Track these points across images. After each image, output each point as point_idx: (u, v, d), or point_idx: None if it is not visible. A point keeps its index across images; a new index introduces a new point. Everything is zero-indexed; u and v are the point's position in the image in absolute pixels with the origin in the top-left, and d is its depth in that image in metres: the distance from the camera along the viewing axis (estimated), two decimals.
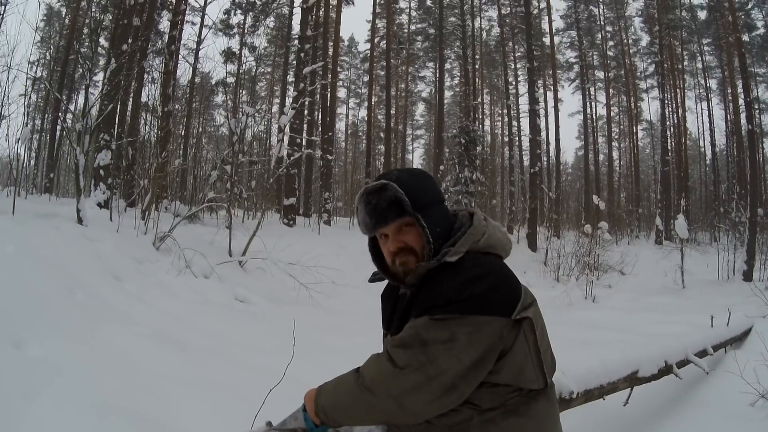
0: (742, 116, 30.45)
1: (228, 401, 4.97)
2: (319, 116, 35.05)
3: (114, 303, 7.68)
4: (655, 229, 36.81)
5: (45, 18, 40.15)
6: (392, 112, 39.96)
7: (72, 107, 28.50)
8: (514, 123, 47.12)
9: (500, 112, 53.36)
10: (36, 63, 36.11)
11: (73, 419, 4.12)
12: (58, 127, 30.85)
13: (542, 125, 40.57)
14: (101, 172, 14.83)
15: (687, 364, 6.37)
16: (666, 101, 41.31)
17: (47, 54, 37.76)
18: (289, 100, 30.80)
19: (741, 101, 30.39)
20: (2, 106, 13.87)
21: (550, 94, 44.27)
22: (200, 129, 33.84)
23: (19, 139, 14.67)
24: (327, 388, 2.23)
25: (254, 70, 43.01)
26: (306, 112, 24.97)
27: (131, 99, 20.71)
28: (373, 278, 2.55)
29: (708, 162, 48.37)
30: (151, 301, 8.47)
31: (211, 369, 6.13)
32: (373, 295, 10.73)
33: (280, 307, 10.87)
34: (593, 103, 48.29)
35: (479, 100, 43.38)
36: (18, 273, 6.54)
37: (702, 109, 46.37)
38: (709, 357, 6.93)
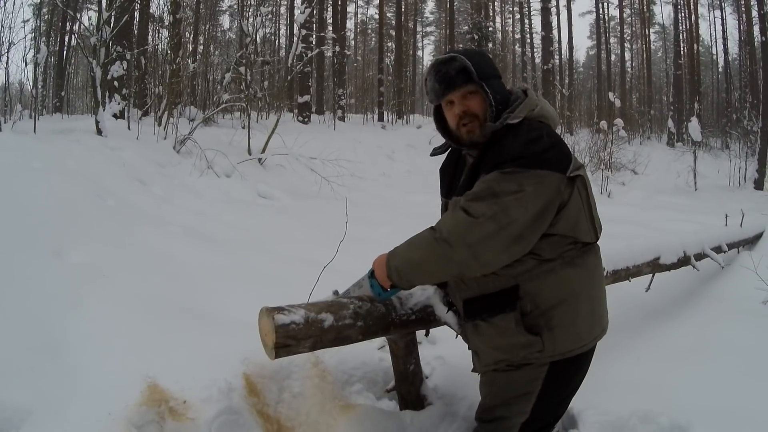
0: (756, 28, 29.79)
1: (267, 288, 5.11)
2: (330, 15, 34.58)
3: (143, 206, 7.84)
4: (667, 131, 36.55)
5: None
6: (402, 9, 39.32)
7: (76, 27, 28.27)
8: (526, 21, 46.54)
9: (510, 9, 52.56)
10: None
11: (122, 315, 4.24)
12: (65, 47, 30.83)
13: (554, 24, 39.97)
14: (115, 83, 14.77)
15: (704, 257, 6.46)
16: (678, 6, 40.48)
17: None
18: (297, 1, 30.38)
19: (755, 13, 29.73)
20: (11, 33, 13.77)
21: None
22: (208, 35, 33.47)
23: (35, 58, 14.64)
24: (400, 250, 2.44)
25: None
26: (316, 11, 24.67)
27: (138, 10, 20.49)
28: (434, 153, 2.80)
29: (720, 69, 47.63)
30: (178, 202, 8.65)
31: (246, 259, 6.36)
32: (393, 189, 10.94)
33: (303, 202, 11.12)
34: (605, 4, 47.44)
35: None
36: (48, 186, 6.61)
37: (715, 17, 45.29)
38: (723, 255, 6.99)
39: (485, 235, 2.20)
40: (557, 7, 42.86)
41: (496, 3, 48.04)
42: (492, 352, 2.53)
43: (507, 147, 2.31)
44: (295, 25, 21.29)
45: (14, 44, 13.46)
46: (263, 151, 13.16)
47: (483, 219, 2.19)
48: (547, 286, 2.38)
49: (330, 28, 32.34)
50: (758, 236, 8.60)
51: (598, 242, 2.59)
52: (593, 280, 2.50)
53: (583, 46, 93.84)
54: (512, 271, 2.37)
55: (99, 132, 10.71)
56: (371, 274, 2.59)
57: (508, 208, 2.19)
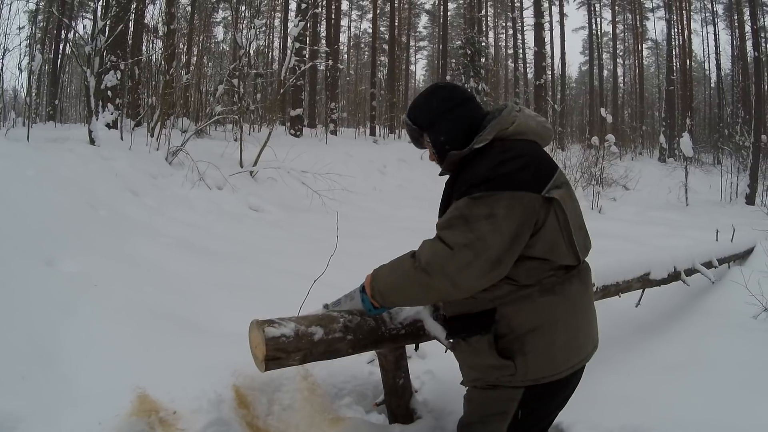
0: (749, 43, 29.96)
1: (257, 300, 5.17)
2: (323, 29, 34.67)
3: (136, 217, 7.88)
4: (658, 147, 36.73)
5: None
6: (395, 23, 39.49)
7: (71, 35, 28.42)
8: (519, 36, 46.80)
9: (504, 25, 52.80)
10: None
11: (114, 325, 4.27)
12: (59, 55, 30.90)
13: (547, 39, 40.23)
14: (109, 93, 14.78)
15: (694, 273, 6.45)
16: (672, 22, 40.74)
17: None
18: (291, 14, 30.52)
19: (747, 28, 29.92)
20: (6, 39, 13.73)
21: (555, 9, 43.82)
22: (201, 46, 33.52)
23: (29, 65, 14.65)
24: (383, 272, 2.47)
25: None
26: (309, 24, 24.78)
27: (132, 20, 20.57)
28: (442, 173, 2.77)
29: (713, 85, 47.85)
30: (170, 213, 8.68)
31: (238, 272, 6.38)
32: (385, 203, 10.96)
33: (294, 215, 11.17)
34: (598, 20, 47.75)
35: (483, 12, 42.78)
36: (41, 194, 6.67)
37: (708, 33, 45.66)
38: (714, 270, 7.01)
39: (463, 265, 2.20)
40: (550, 22, 43.25)
41: (489, 18, 48.35)
42: (469, 370, 2.59)
43: (474, 171, 2.33)
44: (288, 38, 21.38)
45: (9, 51, 13.52)
46: (255, 163, 13.17)
47: (458, 248, 2.20)
48: (523, 311, 2.37)
49: (323, 41, 32.41)
50: (749, 251, 8.59)
51: (584, 262, 2.58)
52: (574, 309, 2.46)
53: (575, 61, 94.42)
54: (490, 295, 2.38)
55: (92, 141, 10.72)
56: (363, 289, 2.61)
57: (483, 235, 2.19)
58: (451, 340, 2.62)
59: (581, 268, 2.51)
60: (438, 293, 2.32)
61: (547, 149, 2.60)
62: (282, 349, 2.49)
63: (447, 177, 2.73)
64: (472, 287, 2.27)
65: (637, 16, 46.90)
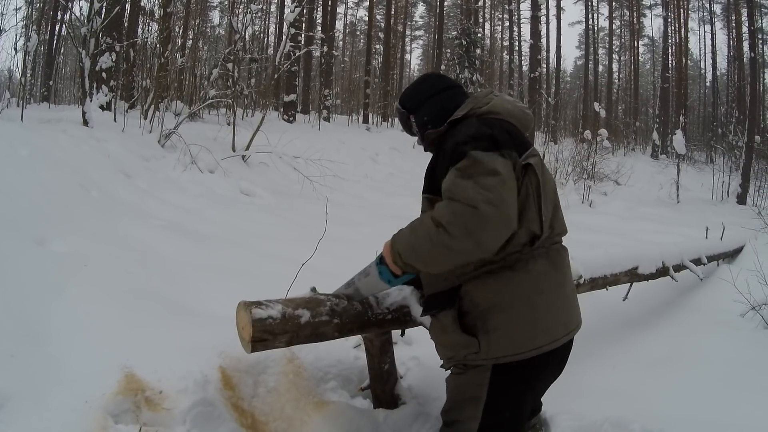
0: (745, 44, 30.05)
1: (246, 284, 5.13)
2: (320, 15, 34.63)
3: (127, 199, 7.88)
4: (651, 144, 36.80)
5: None
6: (392, 12, 39.41)
7: (67, 16, 28.28)
8: (515, 28, 46.75)
9: (500, 17, 52.72)
10: None
11: (102, 305, 4.25)
12: (55, 36, 30.79)
13: (543, 32, 40.18)
14: (103, 75, 14.73)
15: (682, 269, 6.46)
16: (669, 20, 40.76)
17: None
18: (287, 0, 30.46)
19: (744, 29, 29.97)
20: (2, 20, 13.55)
21: (552, 2, 43.78)
22: (196, 30, 33.36)
23: (25, 46, 14.56)
24: (403, 234, 2.41)
25: None
26: (306, 10, 24.72)
27: (128, 2, 20.46)
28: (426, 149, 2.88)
29: (708, 84, 47.91)
30: (161, 196, 8.66)
31: (227, 256, 6.37)
32: (376, 191, 10.97)
33: (285, 200, 11.18)
34: (595, 15, 47.69)
35: (480, 3, 42.72)
36: (34, 174, 6.67)
37: (705, 32, 45.73)
38: (702, 267, 7.01)
39: (484, 220, 2.13)
40: (547, 16, 43.16)
41: (486, 10, 48.25)
42: (441, 349, 2.66)
43: (456, 136, 2.40)
44: (284, 23, 21.38)
45: (5, 31, 13.43)
46: (247, 148, 13.16)
47: (478, 204, 2.14)
48: (483, 287, 2.42)
49: (319, 28, 32.36)
50: (738, 250, 8.64)
51: (557, 245, 2.61)
52: (538, 287, 2.46)
53: (571, 55, 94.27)
54: (457, 271, 2.44)
55: (85, 123, 10.71)
56: (380, 261, 2.55)
57: (495, 189, 2.17)
58: (428, 318, 2.69)
59: (550, 248, 2.54)
60: (459, 255, 2.23)
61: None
62: (268, 331, 2.51)
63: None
64: (494, 244, 2.22)
65: (635, 13, 46.92)
